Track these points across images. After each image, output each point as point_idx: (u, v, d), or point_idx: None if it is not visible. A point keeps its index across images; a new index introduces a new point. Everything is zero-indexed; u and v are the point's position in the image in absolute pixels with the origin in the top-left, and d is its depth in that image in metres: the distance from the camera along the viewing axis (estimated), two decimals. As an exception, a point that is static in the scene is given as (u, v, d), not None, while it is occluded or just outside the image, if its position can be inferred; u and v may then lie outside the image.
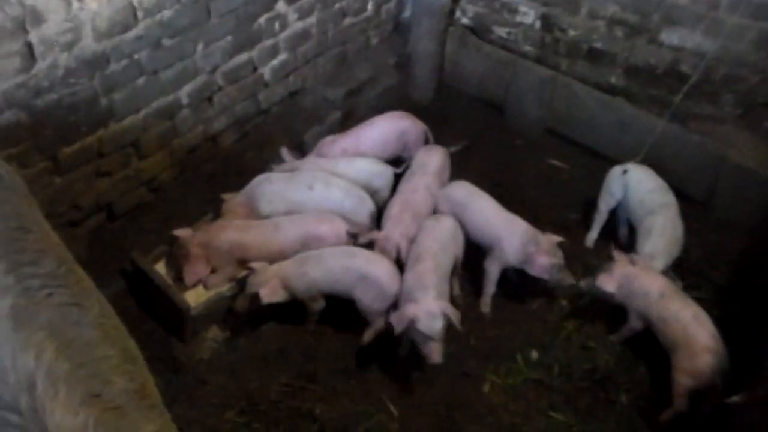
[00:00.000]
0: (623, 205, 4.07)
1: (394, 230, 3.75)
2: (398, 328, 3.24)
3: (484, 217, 3.83)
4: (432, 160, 4.17)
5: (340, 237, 3.69)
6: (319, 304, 3.61)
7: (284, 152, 4.25)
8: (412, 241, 3.71)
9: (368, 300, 3.48)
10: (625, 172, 4.04)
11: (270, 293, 3.44)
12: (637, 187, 3.96)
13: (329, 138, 4.38)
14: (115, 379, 1.81)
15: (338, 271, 3.51)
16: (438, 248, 3.60)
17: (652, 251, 3.71)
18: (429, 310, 3.20)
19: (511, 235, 3.71)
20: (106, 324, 2.00)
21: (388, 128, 4.37)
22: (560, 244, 3.71)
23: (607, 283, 3.55)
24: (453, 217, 3.85)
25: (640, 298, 3.50)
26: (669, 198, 3.92)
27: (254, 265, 3.54)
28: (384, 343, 3.62)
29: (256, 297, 3.44)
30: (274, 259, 3.67)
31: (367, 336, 3.53)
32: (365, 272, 3.47)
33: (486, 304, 3.85)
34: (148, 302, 3.67)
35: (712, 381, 3.21)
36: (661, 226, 3.78)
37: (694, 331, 3.32)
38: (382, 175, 4.12)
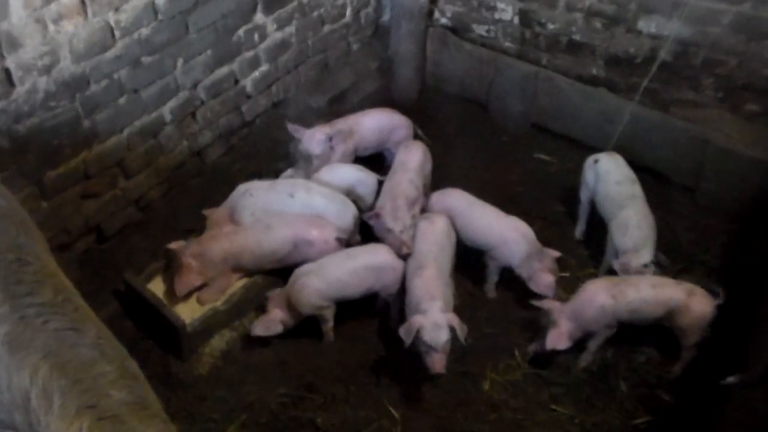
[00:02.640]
0: (595, 195, 4.03)
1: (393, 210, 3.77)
2: (407, 339, 3.23)
3: (487, 222, 3.84)
4: (411, 157, 4.14)
5: (328, 242, 3.69)
6: (331, 311, 3.62)
7: (290, 127, 4.17)
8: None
9: (390, 282, 3.60)
10: (596, 161, 4.04)
11: (268, 326, 3.53)
12: (605, 178, 3.94)
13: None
14: (112, 392, 1.79)
15: (347, 277, 3.55)
16: (438, 251, 3.62)
17: (636, 244, 3.69)
18: (435, 321, 3.21)
19: (516, 238, 3.73)
20: (103, 345, 1.99)
21: (381, 118, 4.41)
22: (552, 241, 3.77)
23: (560, 341, 3.43)
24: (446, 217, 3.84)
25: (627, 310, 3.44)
26: (636, 189, 3.90)
27: (272, 294, 3.60)
28: (381, 349, 3.64)
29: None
30: (267, 260, 3.70)
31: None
32: (377, 264, 3.57)
33: (491, 290, 3.91)
34: (144, 321, 3.66)
35: (712, 316, 3.38)
36: (636, 218, 3.76)
37: (665, 293, 3.41)
38: (366, 182, 4.09)
